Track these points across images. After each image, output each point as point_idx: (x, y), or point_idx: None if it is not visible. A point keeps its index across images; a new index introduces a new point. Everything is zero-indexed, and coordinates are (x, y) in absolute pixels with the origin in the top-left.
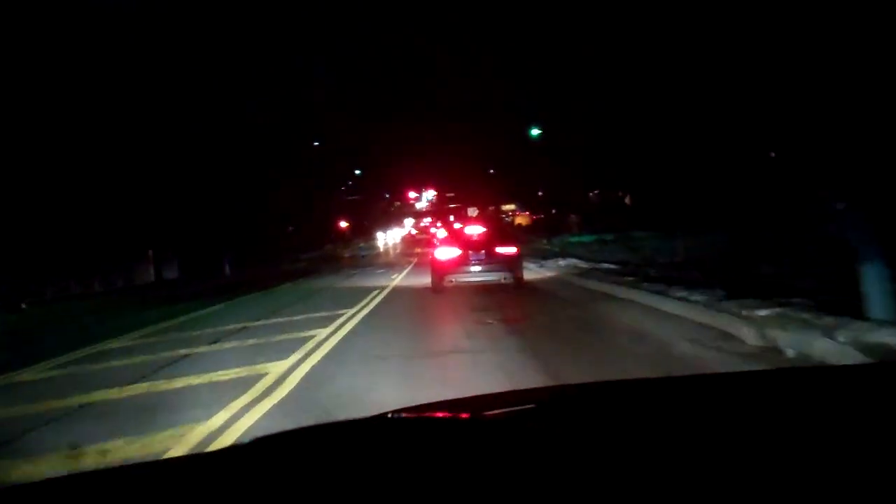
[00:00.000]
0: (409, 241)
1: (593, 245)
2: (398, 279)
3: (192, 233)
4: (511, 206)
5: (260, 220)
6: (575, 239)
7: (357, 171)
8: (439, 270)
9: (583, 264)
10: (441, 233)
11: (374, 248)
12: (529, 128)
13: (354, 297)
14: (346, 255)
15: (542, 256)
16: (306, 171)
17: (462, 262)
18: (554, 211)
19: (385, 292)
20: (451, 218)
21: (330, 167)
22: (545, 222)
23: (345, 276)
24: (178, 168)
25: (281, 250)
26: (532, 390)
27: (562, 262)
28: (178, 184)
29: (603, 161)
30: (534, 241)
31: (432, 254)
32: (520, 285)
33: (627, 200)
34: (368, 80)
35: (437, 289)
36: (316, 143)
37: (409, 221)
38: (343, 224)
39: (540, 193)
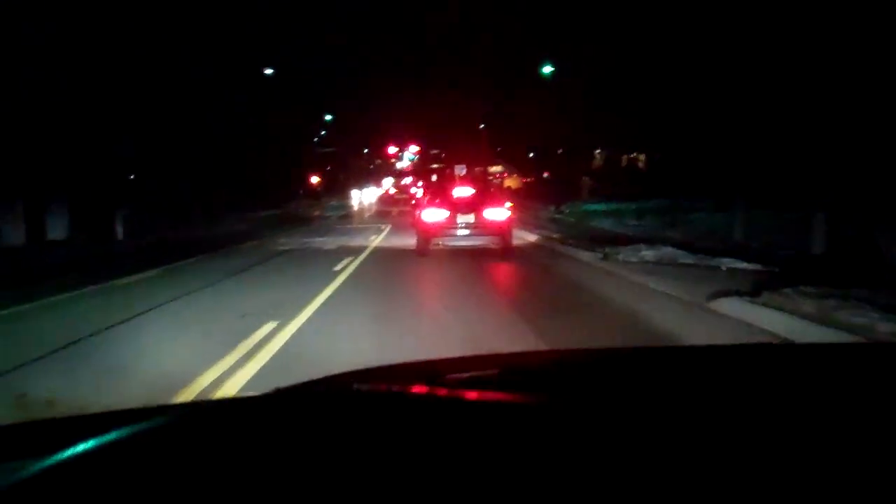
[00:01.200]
0: (387, 201)
1: (626, 217)
2: (352, 268)
3: (88, 178)
4: (498, 168)
5: (176, 166)
6: (591, 207)
7: (328, 117)
8: (425, 232)
9: (708, 261)
10: (420, 193)
11: (346, 207)
12: (540, 65)
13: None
14: (313, 214)
15: (590, 240)
16: (258, 108)
17: (450, 225)
18: (546, 174)
19: (319, 305)
20: (434, 178)
21: (295, 111)
22: (541, 186)
23: (275, 250)
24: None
25: (216, 207)
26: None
27: (649, 254)
28: (68, 107)
29: (618, 111)
30: (537, 210)
31: (418, 215)
32: (508, 250)
33: (641, 163)
34: (339, 16)
35: (422, 251)
36: (269, 71)
37: (388, 181)
38: (314, 179)
39: (531, 155)
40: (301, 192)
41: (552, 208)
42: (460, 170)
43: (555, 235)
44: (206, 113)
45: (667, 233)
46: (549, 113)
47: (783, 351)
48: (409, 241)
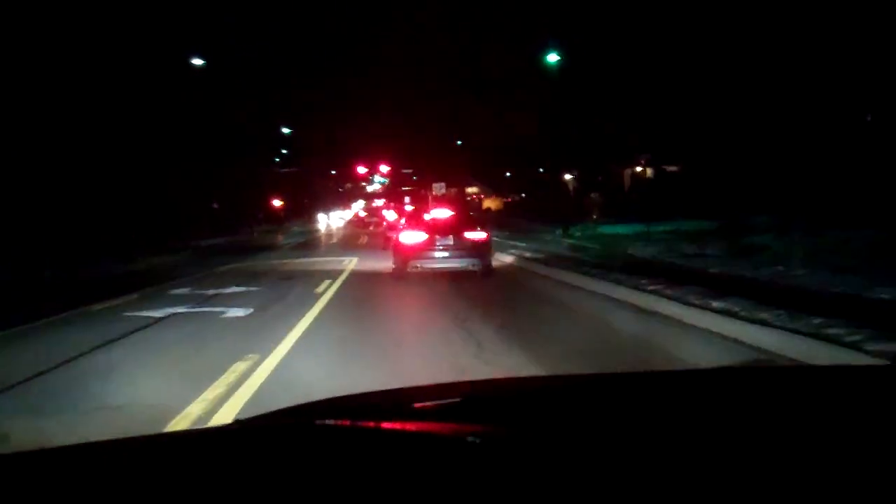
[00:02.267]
0: (357, 224)
1: (674, 243)
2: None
3: None
4: (473, 189)
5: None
6: (609, 229)
7: (285, 130)
8: (403, 255)
9: None
10: (391, 215)
11: (309, 233)
12: (544, 53)
13: None
14: (272, 240)
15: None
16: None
17: (428, 247)
18: (524, 195)
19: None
20: (407, 200)
21: (251, 130)
22: (527, 206)
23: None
24: None
25: (137, 236)
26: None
27: None
28: None
29: (627, 115)
30: (537, 232)
31: (395, 237)
32: (488, 273)
33: (650, 173)
34: (305, 28)
35: (399, 275)
36: (200, 62)
37: (358, 204)
38: (276, 203)
39: (508, 174)
40: (261, 216)
41: (558, 231)
42: (439, 188)
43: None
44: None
45: (760, 270)
46: (534, 120)
47: (758, 374)
48: (381, 265)
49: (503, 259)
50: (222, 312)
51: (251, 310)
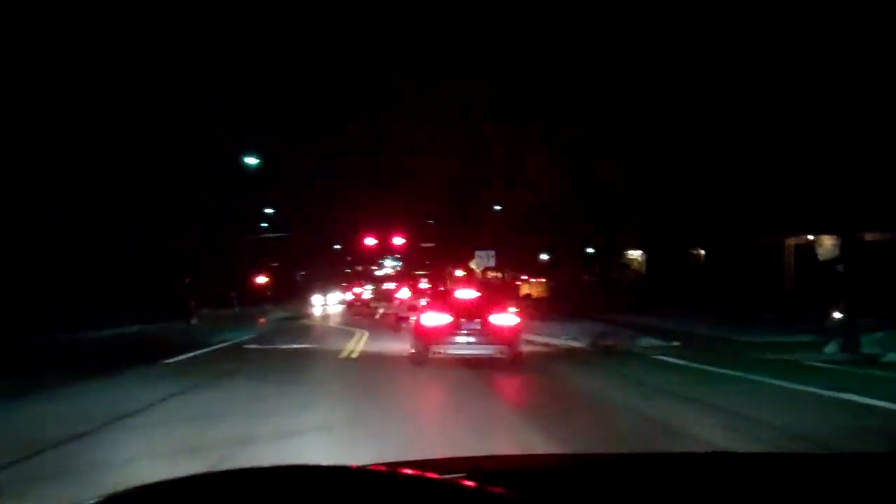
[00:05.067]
0: (359, 311)
1: None
2: None
3: None
4: (496, 273)
5: None
6: None
7: (268, 210)
8: (424, 338)
9: None
10: (405, 293)
11: (294, 318)
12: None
13: None
14: (203, 336)
15: None
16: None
17: (451, 331)
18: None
19: None
20: (423, 284)
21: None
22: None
23: None
24: None
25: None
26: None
27: None
28: None
29: None
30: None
31: (417, 319)
32: (516, 361)
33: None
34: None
35: (419, 360)
36: None
37: (367, 288)
38: (261, 280)
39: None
40: (233, 295)
41: (833, 345)
42: (486, 259)
43: None
44: None
45: None
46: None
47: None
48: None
49: None
50: None
51: None
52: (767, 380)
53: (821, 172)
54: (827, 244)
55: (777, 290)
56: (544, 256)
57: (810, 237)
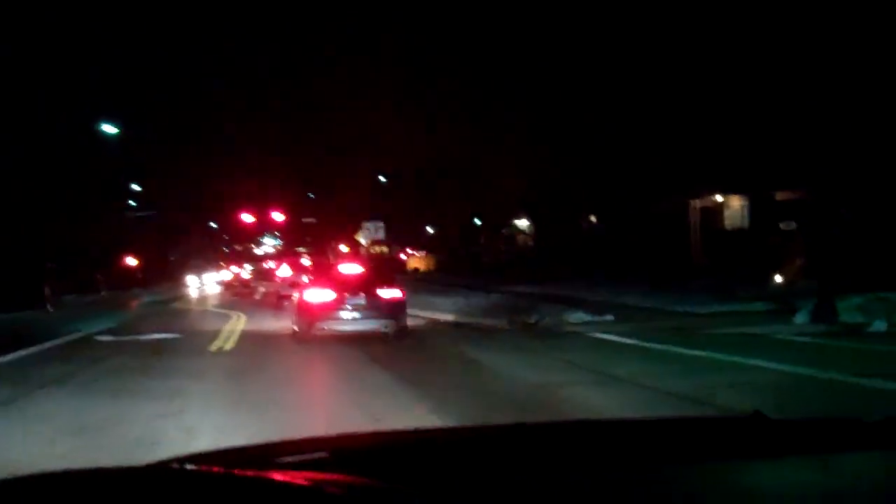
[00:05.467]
0: (239, 291)
1: None
2: None
3: None
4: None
5: None
6: None
7: (135, 187)
8: (307, 315)
9: None
10: (285, 271)
11: (165, 302)
12: None
13: None
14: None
15: None
16: None
17: (336, 307)
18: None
19: None
20: (307, 257)
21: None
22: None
23: None
24: None
25: None
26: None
27: None
28: None
29: None
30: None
31: (300, 296)
32: (402, 335)
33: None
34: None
35: (303, 338)
36: None
37: (247, 267)
38: (131, 261)
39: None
40: (99, 278)
41: (804, 313)
42: (374, 230)
43: None
44: None
45: None
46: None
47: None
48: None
49: None
50: None
51: None
52: (752, 361)
53: (727, 131)
54: (735, 205)
55: (683, 255)
56: (430, 230)
57: (718, 198)
